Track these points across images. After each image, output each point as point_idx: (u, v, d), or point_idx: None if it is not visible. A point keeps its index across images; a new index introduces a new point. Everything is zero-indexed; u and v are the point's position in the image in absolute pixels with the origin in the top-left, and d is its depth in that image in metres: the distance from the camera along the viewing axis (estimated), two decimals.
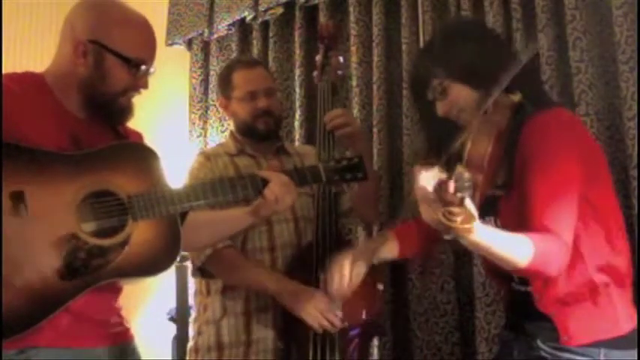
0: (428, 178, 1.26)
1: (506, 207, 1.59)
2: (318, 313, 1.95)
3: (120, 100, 1.63)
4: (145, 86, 1.66)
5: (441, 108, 1.67)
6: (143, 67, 1.63)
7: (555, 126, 1.55)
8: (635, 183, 2.02)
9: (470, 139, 1.45)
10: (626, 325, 1.55)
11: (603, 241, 1.55)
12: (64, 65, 1.62)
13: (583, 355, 1.51)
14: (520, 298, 1.65)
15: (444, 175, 1.23)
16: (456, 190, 1.21)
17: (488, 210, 1.60)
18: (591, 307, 1.53)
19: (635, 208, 2.01)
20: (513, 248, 1.42)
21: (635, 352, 1.54)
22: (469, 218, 1.26)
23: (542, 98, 1.70)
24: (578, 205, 1.51)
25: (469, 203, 1.24)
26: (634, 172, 2.02)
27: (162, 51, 3.00)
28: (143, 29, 1.65)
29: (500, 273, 1.62)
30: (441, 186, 1.23)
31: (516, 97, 1.63)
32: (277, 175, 1.75)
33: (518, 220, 1.51)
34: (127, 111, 1.66)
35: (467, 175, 1.22)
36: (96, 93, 1.61)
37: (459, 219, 1.24)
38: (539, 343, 1.57)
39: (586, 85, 2.15)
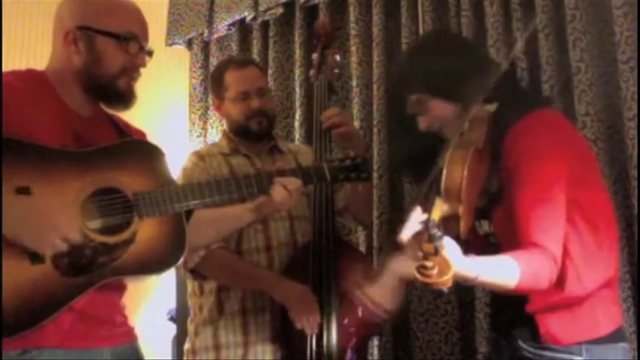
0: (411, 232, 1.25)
1: (499, 215, 1.57)
2: (303, 311, 1.97)
3: (118, 82, 1.61)
4: (143, 64, 1.63)
5: (422, 122, 1.67)
6: (135, 43, 1.61)
7: (536, 130, 1.53)
8: (635, 183, 2.02)
9: (445, 169, 1.41)
10: (607, 326, 1.55)
11: (592, 241, 1.54)
12: (60, 60, 1.62)
13: (565, 352, 1.51)
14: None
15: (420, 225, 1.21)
16: (429, 239, 1.16)
17: (483, 214, 1.60)
18: (574, 312, 1.53)
19: (635, 208, 2.01)
20: (501, 274, 1.41)
21: (618, 346, 1.55)
22: (446, 268, 1.21)
23: (522, 103, 1.66)
24: (567, 207, 1.50)
25: (447, 250, 1.20)
26: (634, 172, 2.02)
27: (162, 51, 3.03)
28: (128, 6, 1.64)
29: None
30: (415, 239, 1.22)
31: (492, 107, 1.60)
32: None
33: (511, 228, 1.50)
34: (127, 94, 1.63)
35: (436, 221, 1.20)
36: (93, 79, 1.59)
37: (434, 272, 1.20)
38: (520, 343, 1.57)
39: (586, 85, 2.15)
